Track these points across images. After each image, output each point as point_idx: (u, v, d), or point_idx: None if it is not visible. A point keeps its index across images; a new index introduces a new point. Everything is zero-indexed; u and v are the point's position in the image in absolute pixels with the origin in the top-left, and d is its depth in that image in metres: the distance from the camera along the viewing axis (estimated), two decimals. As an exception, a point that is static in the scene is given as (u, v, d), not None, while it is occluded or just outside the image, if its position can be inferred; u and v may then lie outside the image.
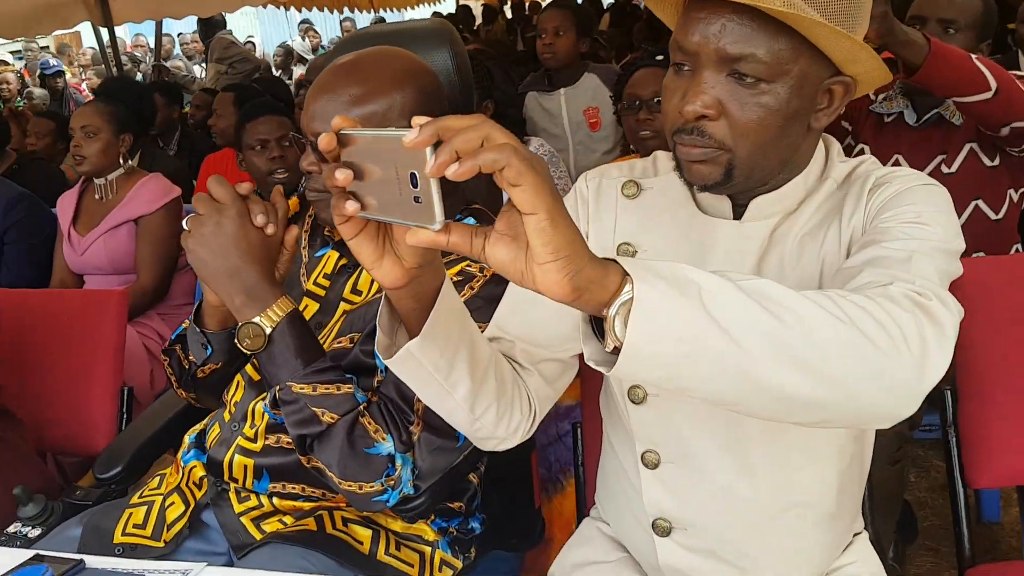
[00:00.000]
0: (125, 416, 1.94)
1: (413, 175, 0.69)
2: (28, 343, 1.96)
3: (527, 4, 10.04)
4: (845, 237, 1.02)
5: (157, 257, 2.83)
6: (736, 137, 0.97)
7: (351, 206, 0.76)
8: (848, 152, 2.33)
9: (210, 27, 7.39)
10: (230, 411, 1.39)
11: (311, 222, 1.49)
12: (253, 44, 9.82)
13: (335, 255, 1.41)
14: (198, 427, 1.48)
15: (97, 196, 2.91)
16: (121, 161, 2.89)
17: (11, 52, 10.45)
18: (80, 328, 1.98)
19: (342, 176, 0.74)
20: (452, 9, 11.59)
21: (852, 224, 1.02)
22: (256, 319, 1.18)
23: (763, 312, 0.75)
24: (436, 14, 10.88)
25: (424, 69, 1.34)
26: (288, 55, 8.92)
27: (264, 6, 6.48)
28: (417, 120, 0.69)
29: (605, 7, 9.26)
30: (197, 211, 1.20)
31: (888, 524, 2.05)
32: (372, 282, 1.35)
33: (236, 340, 1.19)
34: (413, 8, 10.83)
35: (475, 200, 1.43)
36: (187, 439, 1.46)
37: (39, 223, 3.02)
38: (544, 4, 10.44)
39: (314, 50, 9.92)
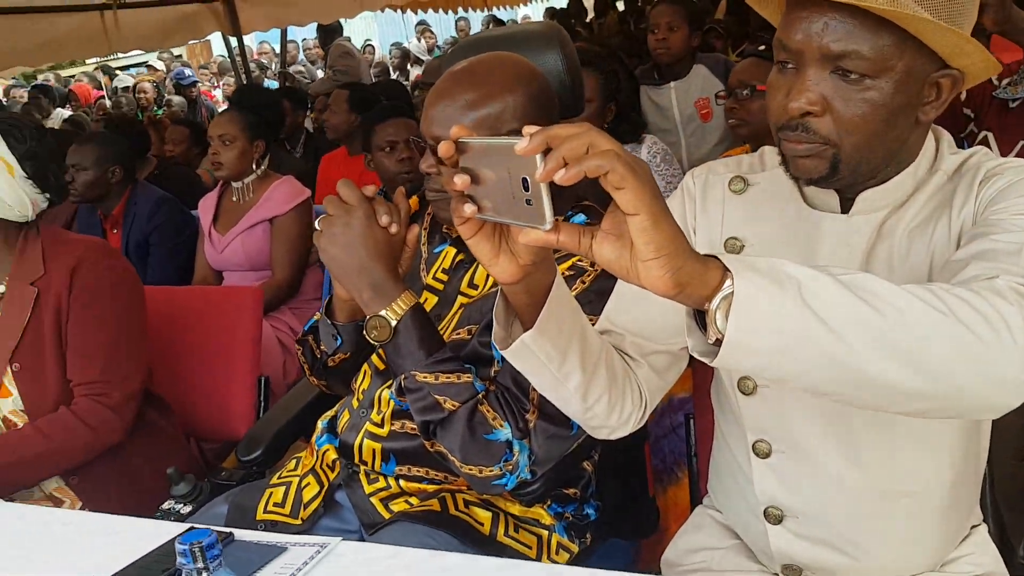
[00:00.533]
0: (262, 404, 2.08)
1: (524, 180, 0.75)
2: (175, 336, 2.13)
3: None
4: (955, 230, 1.01)
5: (290, 255, 2.99)
6: (841, 133, 0.98)
7: (469, 208, 0.82)
8: (972, 139, 2.26)
9: (328, 33, 7.69)
10: (358, 398, 1.49)
11: (430, 220, 1.57)
12: (372, 47, 10.14)
13: (452, 251, 1.48)
14: (329, 413, 1.59)
15: (235, 198, 3.10)
16: (254, 166, 3.07)
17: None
18: (221, 322, 2.13)
19: (460, 181, 0.81)
20: (564, 3, 11.62)
21: (962, 216, 1.01)
22: (383, 312, 1.26)
23: (862, 305, 0.77)
24: (550, 9, 10.96)
25: (535, 73, 1.40)
26: (405, 56, 9.17)
27: (382, 10, 6.67)
28: (528, 129, 0.74)
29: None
30: (328, 212, 1.29)
31: (1020, 521, 1.98)
32: (488, 277, 1.42)
33: (364, 332, 1.28)
34: (525, 4, 10.92)
35: (585, 197, 1.48)
36: (320, 424, 1.57)
37: (180, 225, 3.24)
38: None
39: (430, 51, 10.17)
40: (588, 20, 9.89)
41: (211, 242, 3.09)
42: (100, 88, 9.64)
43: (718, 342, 0.77)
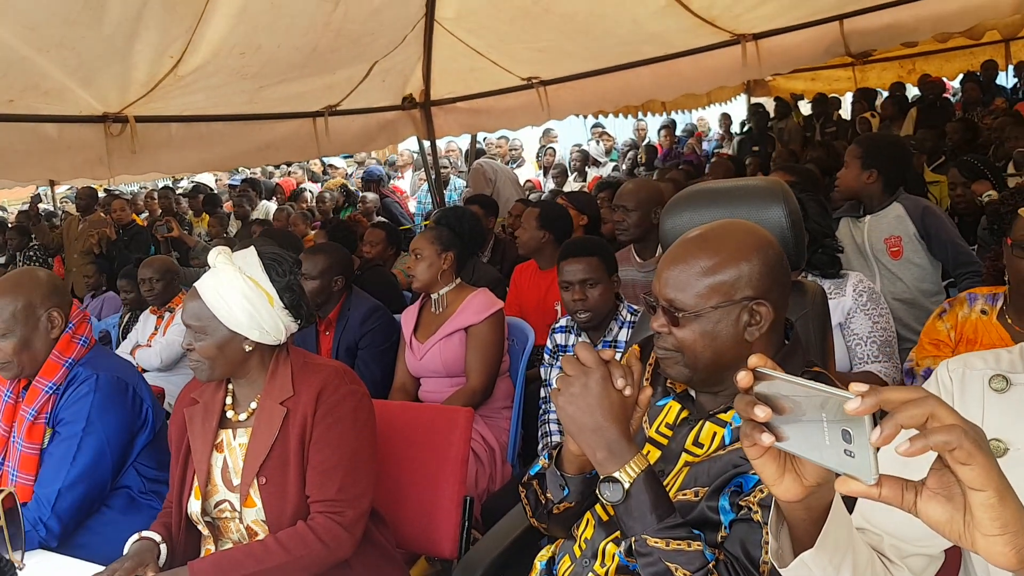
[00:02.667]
0: (466, 523, 2.16)
1: (846, 432, 0.77)
2: (389, 450, 2.26)
3: (828, 96, 9.84)
4: None
5: (484, 362, 3.12)
6: None
7: (767, 438, 0.86)
8: None
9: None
10: (580, 546, 1.53)
11: (652, 371, 1.62)
12: (553, 151, 10.48)
13: (677, 406, 1.53)
14: (545, 554, 1.64)
15: (433, 309, 3.28)
16: (443, 279, 3.23)
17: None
18: (432, 439, 2.25)
19: (762, 413, 0.85)
20: (742, 107, 11.68)
21: None
22: (616, 474, 1.31)
23: None
24: (724, 115, 11.02)
25: (768, 240, 1.45)
26: (584, 159, 9.44)
27: (561, 119, 6.95)
28: (856, 388, 0.76)
29: (911, 103, 8.88)
30: (566, 372, 1.37)
31: None
32: (713, 436, 1.45)
33: (597, 491, 1.33)
34: (704, 108, 11.06)
35: (815, 363, 1.49)
36: (538, 565, 1.62)
37: (388, 331, 3.45)
38: (849, 97, 10.27)
39: (607, 152, 10.42)
40: (768, 124, 9.86)
41: (412, 350, 3.27)
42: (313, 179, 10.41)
43: None
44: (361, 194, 8.56)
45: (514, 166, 10.34)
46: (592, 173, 9.29)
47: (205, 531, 1.94)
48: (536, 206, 4.12)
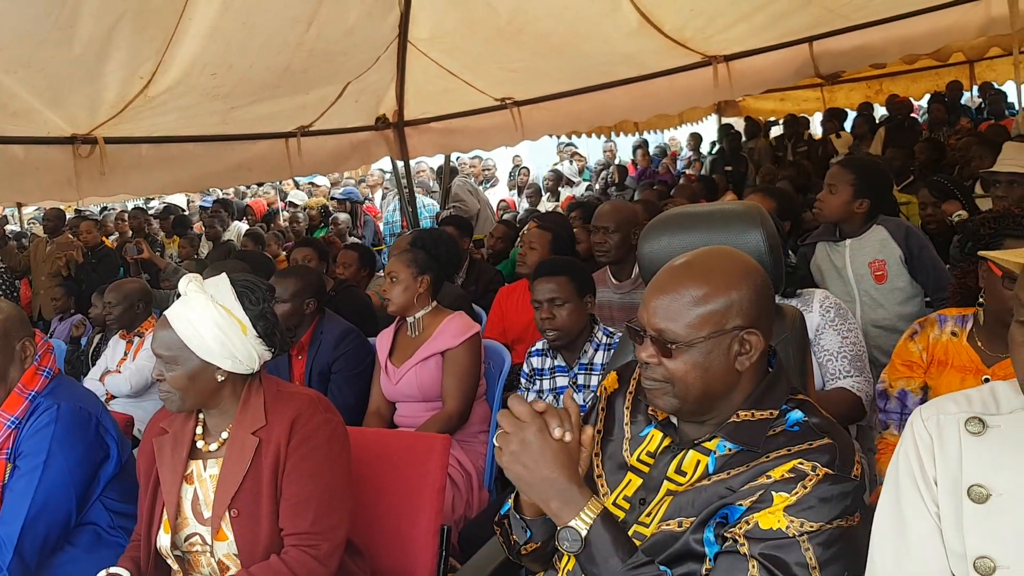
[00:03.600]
0: (443, 553, 2.13)
1: None
2: (363, 477, 2.21)
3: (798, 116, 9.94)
4: None
5: (461, 387, 3.09)
6: None
7: None
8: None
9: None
10: (562, 579, 1.51)
11: (632, 398, 1.60)
12: (527, 170, 10.50)
13: (659, 434, 1.51)
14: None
15: (409, 333, 3.25)
16: (418, 302, 3.20)
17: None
18: (408, 467, 2.21)
19: None
20: (713, 127, 11.78)
21: None
22: (572, 522, 1.30)
23: None
24: (694, 135, 11.12)
25: (755, 268, 1.44)
26: (557, 179, 9.47)
27: (536, 139, 6.96)
28: None
29: (878, 122, 8.99)
30: (502, 427, 1.36)
31: None
32: (696, 464, 1.43)
33: (556, 542, 1.32)
34: (676, 128, 11.14)
35: (799, 390, 1.48)
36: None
37: (363, 355, 3.41)
38: (818, 117, 10.38)
39: (580, 172, 10.45)
40: (740, 145, 9.95)
41: (387, 374, 3.23)
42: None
43: None
44: (334, 214, 8.51)
45: (487, 186, 10.35)
46: (565, 193, 9.32)
47: (175, 566, 1.88)
48: (547, 229, 4.06)
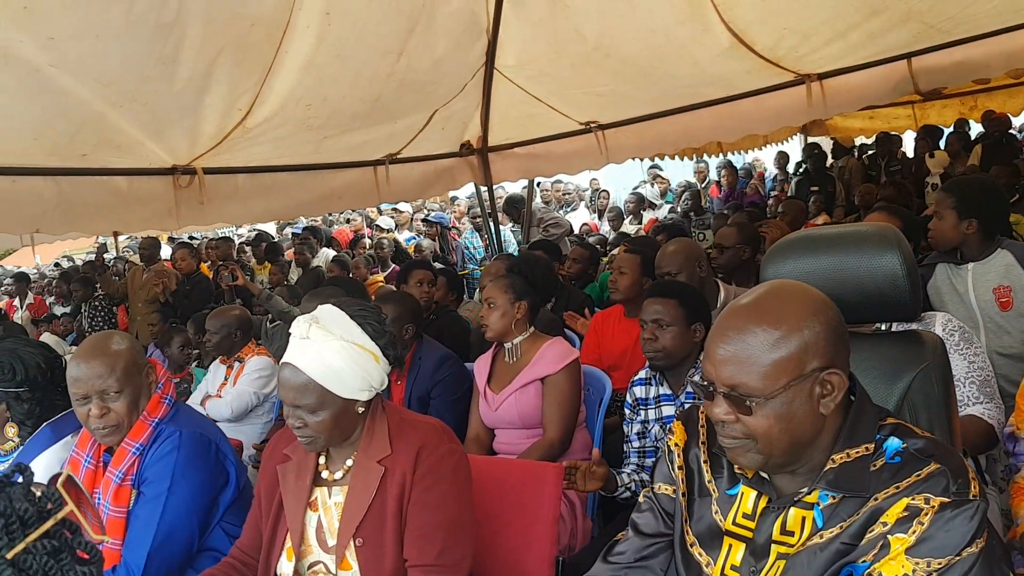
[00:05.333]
0: (560, 585, 2.08)
1: None
2: (477, 505, 2.18)
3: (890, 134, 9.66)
4: None
5: (562, 413, 3.05)
6: None
7: None
8: None
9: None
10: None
11: (706, 450, 1.51)
12: (607, 193, 10.45)
13: (751, 492, 1.42)
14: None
15: (507, 359, 3.22)
16: (515, 328, 3.17)
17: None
18: (521, 496, 2.18)
19: None
20: (797, 147, 11.55)
21: None
22: None
23: None
24: (781, 154, 10.90)
25: (824, 300, 1.35)
26: (640, 202, 9.40)
27: (620, 163, 6.92)
28: None
29: (973, 140, 8.68)
30: None
31: None
32: (802, 522, 1.35)
33: None
34: (760, 149, 10.96)
35: (888, 412, 1.41)
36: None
37: (460, 380, 3.40)
38: (909, 136, 10.08)
39: (662, 195, 10.36)
40: (828, 164, 9.72)
41: (486, 400, 3.21)
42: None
43: None
44: (416, 240, 8.60)
45: (568, 210, 10.34)
46: (647, 216, 9.23)
47: (295, 593, 1.88)
48: (636, 252, 4.00)
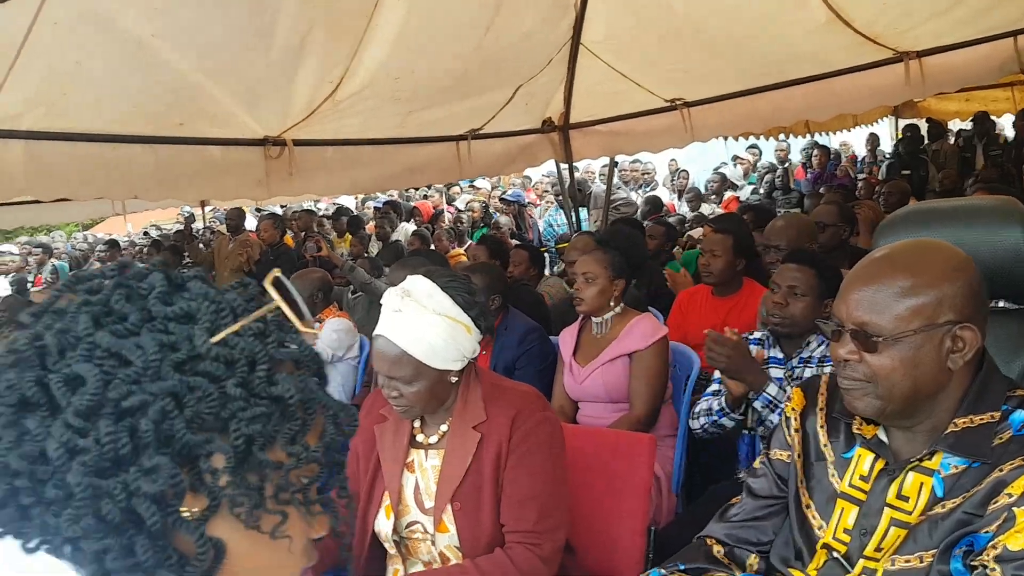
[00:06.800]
0: (650, 556, 2.08)
1: None
2: (570, 473, 2.19)
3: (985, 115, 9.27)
4: None
5: (649, 389, 3.03)
6: None
7: None
8: None
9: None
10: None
11: (825, 416, 1.50)
12: (687, 173, 10.31)
13: (869, 454, 1.41)
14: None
15: (594, 332, 3.21)
16: (612, 304, 3.16)
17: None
18: (615, 465, 2.18)
19: None
20: (886, 129, 11.19)
21: None
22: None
23: None
24: (872, 135, 10.58)
25: (969, 261, 1.34)
26: (723, 182, 9.25)
27: (706, 141, 6.81)
28: None
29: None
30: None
31: None
32: (920, 488, 1.32)
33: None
34: (849, 130, 10.64)
35: (1017, 383, 1.37)
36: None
37: (545, 352, 3.41)
38: (1007, 119, 9.63)
39: (745, 175, 10.16)
40: (923, 145, 9.40)
41: (571, 373, 3.21)
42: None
43: None
44: (495, 217, 8.64)
45: (646, 189, 10.23)
46: (729, 194, 9.08)
47: (392, 550, 1.92)
48: (726, 232, 3.86)
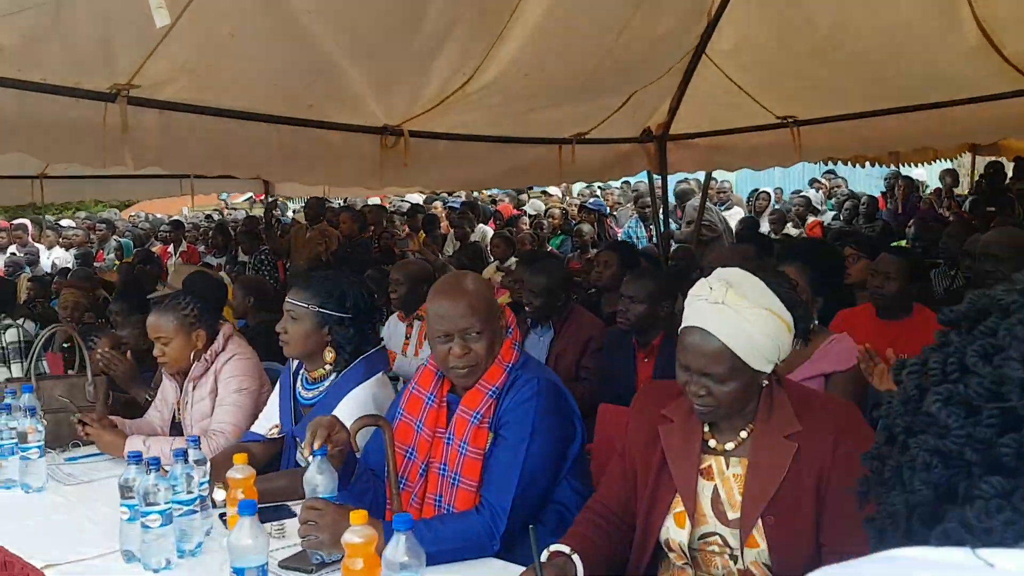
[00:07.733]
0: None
1: None
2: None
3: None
4: None
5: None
6: None
7: None
8: None
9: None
10: None
11: None
12: (768, 194, 10.12)
13: None
14: None
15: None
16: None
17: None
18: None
19: None
20: (964, 166, 11.01)
21: None
22: None
23: None
24: (950, 172, 10.41)
25: None
26: (807, 205, 9.10)
27: (814, 162, 6.67)
28: None
29: None
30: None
31: None
32: None
33: None
34: (930, 163, 10.46)
35: None
36: None
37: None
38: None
39: (829, 196, 10.00)
40: (1006, 183, 9.24)
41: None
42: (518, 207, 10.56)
43: None
44: (577, 225, 8.53)
45: (722, 208, 10.09)
46: (811, 219, 8.93)
47: (679, 561, 1.79)
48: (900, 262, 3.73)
